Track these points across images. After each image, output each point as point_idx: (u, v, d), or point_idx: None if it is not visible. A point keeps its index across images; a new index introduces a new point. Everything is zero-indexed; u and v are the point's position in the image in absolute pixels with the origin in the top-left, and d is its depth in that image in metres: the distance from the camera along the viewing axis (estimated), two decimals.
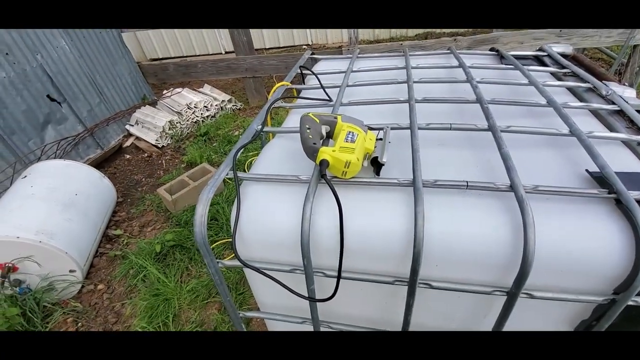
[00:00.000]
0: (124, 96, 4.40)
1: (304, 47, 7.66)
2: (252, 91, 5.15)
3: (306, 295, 0.94)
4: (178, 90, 4.80)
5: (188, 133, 4.47)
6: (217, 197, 3.09)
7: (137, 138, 4.34)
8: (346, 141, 0.89)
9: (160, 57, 7.85)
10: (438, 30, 7.00)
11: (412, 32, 7.18)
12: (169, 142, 4.30)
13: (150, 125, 4.28)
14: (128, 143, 4.29)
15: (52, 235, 2.19)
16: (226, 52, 7.71)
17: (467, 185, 0.81)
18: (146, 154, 4.11)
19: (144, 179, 3.70)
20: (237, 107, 5.11)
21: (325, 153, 0.84)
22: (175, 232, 2.69)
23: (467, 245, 0.79)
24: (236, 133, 4.33)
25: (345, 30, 7.26)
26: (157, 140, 4.20)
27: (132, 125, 4.38)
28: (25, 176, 2.54)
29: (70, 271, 2.30)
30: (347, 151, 0.85)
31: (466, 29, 6.79)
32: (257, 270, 0.92)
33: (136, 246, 2.70)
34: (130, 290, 2.41)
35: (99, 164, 3.81)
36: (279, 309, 1.20)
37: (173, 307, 2.22)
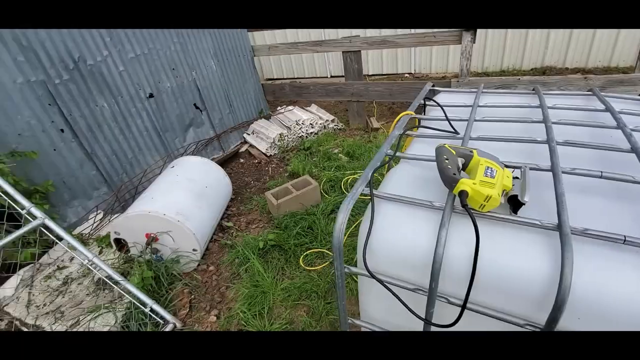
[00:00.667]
0: (247, 109, 5.10)
1: (406, 75, 7.73)
2: (354, 114, 5.41)
3: (423, 317, 0.99)
4: (290, 108, 5.35)
5: (293, 146, 4.92)
6: (314, 208, 3.32)
7: (251, 145, 4.96)
8: (485, 176, 0.93)
9: (275, 77, 8.84)
10: (559, 66, 6.32)
11: (525, 65, 6.63)
12: (276, 152, 4.80)
13: (264, 135, 4.85)
14: (243, 149, 4.93)
15: (187, 218, 2.67)
16: (331, 76, 8.28)
17: (625, 240, 0.77)
18: (256, 160, 4.66)
19: (252, 182, 4.19)
20: (338, 127, 5.42)
21: (466, 185, 0.90)
22: (276, 234, 2.98)
23: (624, 307, 0.74)
24: (335, 150, 4.60)
25: (449, 60, 7.10)
26: (267, 149, 4.74)
27: (249, 134, 5.03)
28: (173, 166, 3.17)
29: (193, 250, 2.75)
30: (488, 185, 0.89)
31: (595, 66, 5.99)
32: (382, 283, 1.01)
33: (242, 239, 3.07)
34: (235, 276, 2.75)
35: (220, 164, 4.47)
36: (381, 323, 1.26)
37: (268, 301, 2.45)
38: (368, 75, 7.99)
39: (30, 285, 2.66)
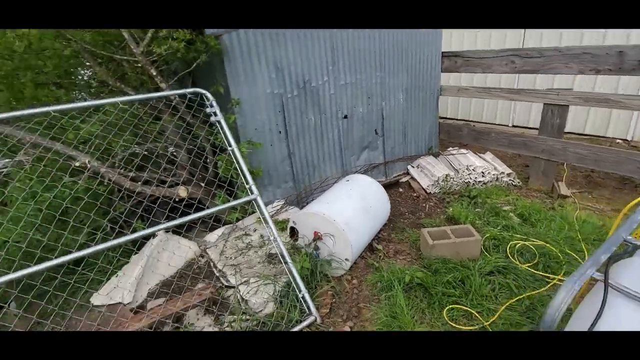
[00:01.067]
0: (418, 143, 5.20)
1: (618, 141, 6.17)
2: (538, 173, 4.71)
3: None
4: (463, 151, 5.14)
5: (456, 190, 4.69)
6: (470, 262, 3.06)
7: (412, 178, 5.01)
8: None
9: (448, 116, 8.64)
10: None
11: None
12: (437, 191, 4.68)
13: (428, 172, 4.83)
14: (404, 179, 5.04)
15: (350, 229, 2.94)
16: (513, 126, 7.45)
17: None
18: (415, 194, 4.68)
19: (407, 213, 4.23)
20: (514, 183, 4.83)
21: None
22: (425, 274, 2.90)
23: None
24: (505, 208, 4.12)
25: None
26: (428, 186, 4.69)
27: (413, 167, 5.11)
28: (348, 180, 3.56)
29: (345, 259, 3.00)
30: None
31: None
32: None
33: (388, 265, 3.14)
34: (374, 298, 2.84)
35: None
36: None
37: None
38: (565, 132, 6.80)
39: (226, 240, 3.49)
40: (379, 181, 4.70)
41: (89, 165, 2.43)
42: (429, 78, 4.96)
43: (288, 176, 3.90)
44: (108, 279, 2.98)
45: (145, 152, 2.93)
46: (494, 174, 4.78)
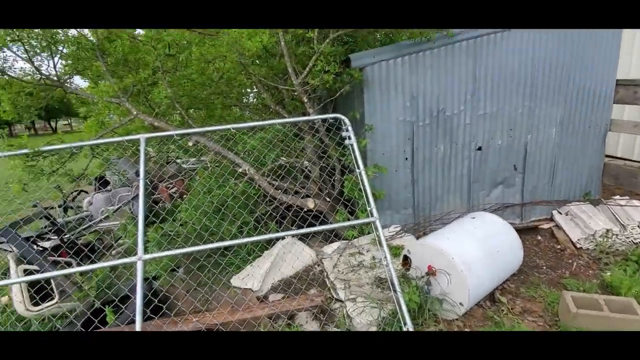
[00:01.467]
0: (571, 186, 4.37)
1: None
2: None
3: None
4: (637, 203, 4.05)
5: (619, 250, 3.73)
6: None
7: (557, 226, 4.23)
8: None
9: (619, 155, 6.90)
10: None
11: None
12: (590, 247, 3.83)
13: (581, 222, 4.00)
14: (546, 226, 4.30)
15: (470, 271, 2.73)
16: None
17: None
18: (559, 247, 3.94)
19: (544, 267, 3.61)
20: None
21: None
22: None
23: None
24: None
25: None
26: (579, 239, 3.88)
27: (561, 214, 4.31)
28: (474, 217, 3.30)
29: (460, 303, 2.78)
30: None
31: None
32: None
33: (512, 324, 2.76)
34: None
35: None
36: None
37: None
38: None
39: (341, 254, 3.72)
40: (511, 224, 4.16)
41: (248, 172, 3.03)
42: (594, 110, 4.14)
43: (408, 203, 3.88)
44: (244, 267, 3.60)
45: (287, 166, 3.44)
46: None
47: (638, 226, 3.73)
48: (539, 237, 4.18)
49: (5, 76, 2.59)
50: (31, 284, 2.87)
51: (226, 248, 3.22)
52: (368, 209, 2.99)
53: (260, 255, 3.64)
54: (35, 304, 2.79)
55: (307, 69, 2.98)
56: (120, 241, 4.09)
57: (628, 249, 3.71)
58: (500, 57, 3.66)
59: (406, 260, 3.24)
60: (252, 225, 3.25)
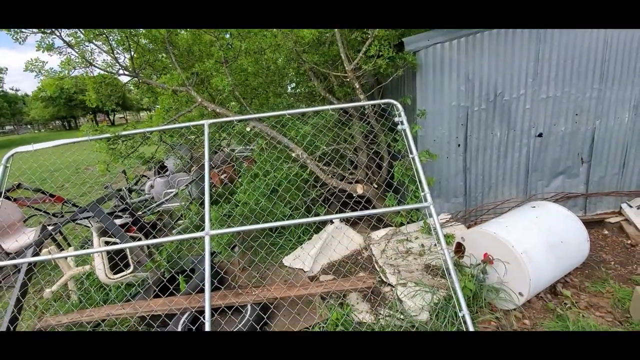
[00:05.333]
0: None
1: None
2: None
3: None
4: None
5: None
6: None
7: (627, 220, 3.89)
8: None
9: None
10: None
11: None
12: None
13: None
14: (613, 220, 3.97)
15: (531, 260, 2.61)
16: None
17: None
18: (629, 241, 3.63)
19: (612, 263, 3.34)
20: None
21: None
22: None
23: None
24: None
25: None
26: None
27: (631, 207, 3.95)
28: (534, 207, 3.14)
29: (519, 293, 2.68)
30: None
31: None
32: None
33: (577, 317, 2.61)
34: None
35: None
36: None
37: None
38: None
39: (389, 241, 3.72)
40: None
41: (300, 157, 3.13)
42: None
43: (459, 191, 3.78)
44: (293, 249, 3.73)
45: (338, 152, 3.50)
46: None
47: None
48: (606, 231, 3.87)
49: (91, 67, 2.91)
50: (110, 257, 3.22)
51: (276, 232, 3.36)
52: (421, 194, 2.95)
53: (307, 240, 3.75)
54: (115, 273, 3.12)
55: (361, 53, 2.99)
56: (179, 221, 4.42)
57: None
58: (567, 35, 3.40)
59: (459, 248, 3.17)
60: (303, 210, 3.35)
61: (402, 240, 3.67)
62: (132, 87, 3.91)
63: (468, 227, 3.75)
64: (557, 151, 3.77)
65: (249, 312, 2.73)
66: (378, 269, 3.36)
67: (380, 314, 2.86)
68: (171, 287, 2.70)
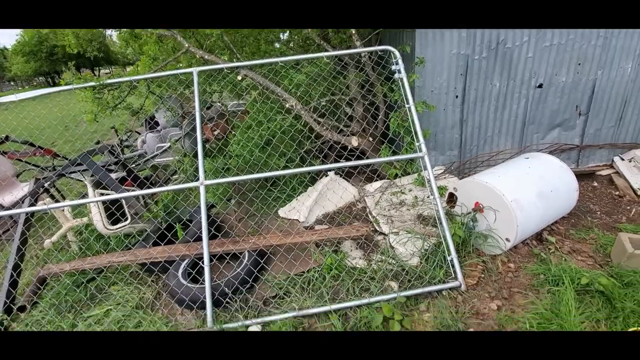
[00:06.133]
0: (639, 129, 3.98)
1: None
2: None
3: None
4: None
5: None
6: None
7: (617, 173, 3.95)
8: None
9: None
10: None
11: None
12: None
13: None
14: (604, 173, 4.03)
15: (520, 208, 2.68)
16: None
17: None
18: (617, 193, 3.71)
19: (599, 212, 3.45)
20: None
21: None
22: (612, 283, 2.41)
23: None
24: None
25: None
26: None
27: (623, 160, 3.99)
28: (528, 158, 3.16)
29: (506, 239, 2.78)
30: None
31: None
32: None
33: (559, 261, 2.74)
34: (532, 288, 2.59)
35: None
36: None
37: None
38: None
39: (383, 193, 3.78)
40: None
41: (295, 107, 3.06)
42: None
43: (454, 144, 3.77)
44: (289, 201, 3.78)
45: (333, 103, 3.41)
46: None
47: None
48: (595, 183, 3.95)
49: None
50: (106, 208, 3.24)
51: (272, 183, 3.37)
52: (416, 144, 2.95)
53: (303, 192, 3.80)
54: (113, 224, 3.17)
55: None
56: (174, 176, 4.42)
57: None
58: None
59: (451, 198, 3.23)
60: (297, 161, 3.34)
61: (396, 192, 3.72)
62: (113, 34, 3.69)
63: (461, 180, 3.80)
64: (556, 103, 3.71)
65: (246, 258, 2.83)
66: (372, 219, 3.44)
67: (372, 259, 2.98)
68: (169, 235, 2.76)
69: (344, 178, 3.97)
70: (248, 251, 2.87)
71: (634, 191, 3.67)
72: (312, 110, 3.38)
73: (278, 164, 3.03)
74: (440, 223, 2.79)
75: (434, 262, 2.77)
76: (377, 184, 3.86)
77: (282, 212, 3.60)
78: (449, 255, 2.71)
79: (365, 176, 4.04)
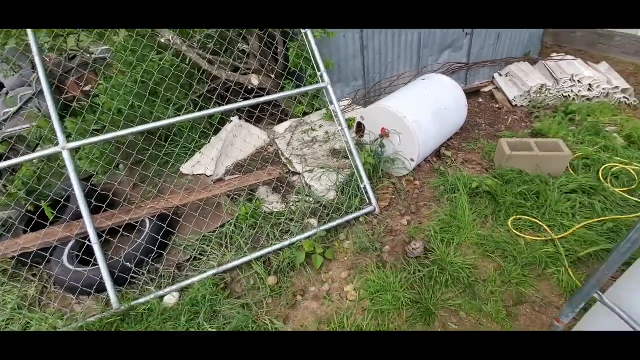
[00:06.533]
0: (513, 45, 4.40)
1: None
2: None
3: None
4: (570, 58, 4.26)
5: (550, 104, 4.06)
6: (550, 178, 2.79)
7: (497, 89, 4.42)
8: None
9: None
10: None
11: None
12: (525, 104, 4.11)
13: (519, 81, 4.18)
14: (487, 89, 4.47)
15: (420, 127, 2.80)
16: None
17: None
18: (498, 106, 4.18)
19: (484, 125, 3.86)
20: (628, 102, 4.00)
21: None
22: (495, 183, 2.75)
23: None
24: (609, 128, 3.51)
25: None
26: (515, 97, 4.12)
27: (501, 76, 4.45)
28: (424, 79, 3.26)
29: (411, 159, 2.93)
30: None
31: None
32: None
33: (455, 171, 3.02)
34: (435, 200, 2.83)
35: None
36: None
37: (460, 236, 2.44)
38: None
39: (293, 132, 3.61)
40: None
41: (172, 41, 2.53)
42: None
43: (358, 73, 3.69)
44: (191, 156, 3.37)
45: (224, 38, 2.94)
46: (604, 89, 3.98)
47: (570, 79, 4.00)
48: (480, 100, 4.38)
49: None
50: None
51: (167, 140, 2.91)
52: (318, 74, 2.76)
53: (207, 144, 3.41)
54: None
55: None
56: (38, 149, 3.54)
57: (559, 103, 4.04)
58: None
59: (360, 127, 3.23)
60: (190, 107, 2.90)
61: (307, 130, 3.59)
62: None
63: (366, 108, 3.83)
64: None
65: (147, 226, 2.48)
66: (285, 161, 3.29)
67: (289, 201, 2.90)
68: (35, 217, 2.21)
69: (252, 123, 3.66)
70: (148, 218, 2.51)
71: (510, 102, 4.17)
72: (198, 46, 2.87)
73: (165, 113, 2.57)
74: (351, 154, 2.78)
75: (349, 192, 2.81)
76: (286, 124, 3.66)
77: (185, 169, 3.21)
78: (362, 184, 2.76)
79: (275, 119, 3.79)
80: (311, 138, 3.49)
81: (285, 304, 2.20)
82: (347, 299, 2.19)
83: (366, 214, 2.72)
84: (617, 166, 2.93)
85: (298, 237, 2.50)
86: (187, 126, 2.87)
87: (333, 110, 2.79)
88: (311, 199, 2.83)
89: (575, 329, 1.35)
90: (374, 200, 2.73)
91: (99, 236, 2.22)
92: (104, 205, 2.35)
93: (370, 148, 3.05)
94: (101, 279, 2.17)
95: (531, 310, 2.04)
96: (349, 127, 3.39)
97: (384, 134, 2.96)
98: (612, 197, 2.66)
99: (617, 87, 3.98)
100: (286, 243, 2.48)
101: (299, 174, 3.10)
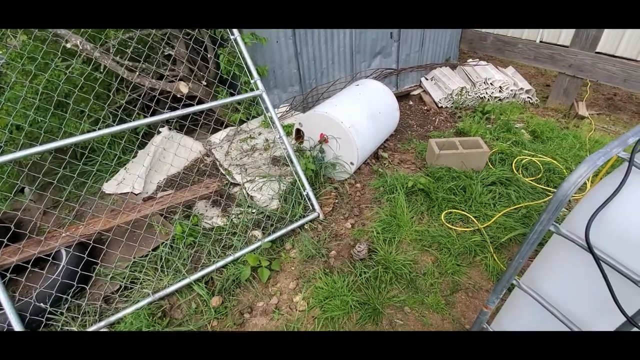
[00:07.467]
0: (436, 52, 4.79)
1: None
2: (560, 91, 4.44)
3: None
4: (483, 63, 4.76)
5: (469, 105, 4.48)
6: (474, 173, 3.07)
7: (425, 91, 4.75)
8: None
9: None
10: None
11: None
12: (449, 105, 4.48)
13: (442, 84, 4.55)
14: (415, 92, 4.79)
15: (357, 132, 2.87)
16: (541, 42, 6.78)
17: None
18: (426, 107, 4.49)
19: (415, 126, 4.12)
20: (531, 101, 4.59)
21: None
22: (428, 180, 2.93)
23: None
24: (518, 125, 3.98)
25: None
26: (440, 99, 4.47)
27: (427, 80, 4.80)
28: (358, 85, 3.36)
29: (350, 163, 3.00)
30: None
31: None
32: (598, 259, 0.88)
33: (392, 172, 3.16)
34: (376, 201, 2.92)
35: None
36: (553, 300, 1.14)
37: (400, 234, 2.55)
38: (597, 52, 6.21)
39: (231, 141, 3.46)
40: None
41: (80, 47, 2.25)
42: None
43: (294, 79, 3.68)
44: (114, 172, 3.05)
45: (143, 43, 2.69)
46: (512, 90, 4.51)
47: (484, 82, 4.45)
48: (410, 102, 4.67)
49: None
50: None
51: (84, 159, 2.58)
52: (251, 81, 2.68)
53: (131, 161, 3.11)
54: None
55: None
56: None
57: (476, 103, 4.48)
58: None
59: (299, 134, 3.22)
60: (109, 119, 2.61)
61: (245, 138, 3.47)
62: None
63: (305, 114, 3.84)
64: (373, 32, 3.99)
65: (63, 258, 2.16)
66: (224, 172, 3.14)
67: (231, 214, 2.76)
68: None
69: (183, 134, 3.43)
70: (64, 248, 2.19)
71: (436, 104, 4.51)
72: (113, 52, 2.60)
73: (78, 128, 2.27)
74: (292, 162, 2.75)
75: (292, 200, 2.77)
76: (222, 134, 3.50)
77: (108, 189, 2.88)
78: (304, 191, 2.74)
79: (210, 130, 3.60)
80: (250, 146, 3.39)
81: (232, 324, 2.08)
82: (296, 310, 2.15)
83: (311, 221, 2.71)
84: (526, 158, 3.33)
85: (242, 252, 2.39)
86: (105, 141, 2.58)
87: (270, 118, 2.73)
88: (254, 210, 2.73)
89: (501, 311, 1.49)
90: (317, 207, 2.73)
91: (1, 276, 1.88)
92: (5, 240, 1.99)
93: (310, 154, 3.05)
94: (9, 325, 1.84)
95: (465, 297, 2.20)
96: (288, 134, 3.36)
97: (323, 139, 2.98)
98: (523, 186, 3.00)
99: (522, 89, 4.54)
100: (229, 259, 2.35)
101: (239, 184, 2.98)
